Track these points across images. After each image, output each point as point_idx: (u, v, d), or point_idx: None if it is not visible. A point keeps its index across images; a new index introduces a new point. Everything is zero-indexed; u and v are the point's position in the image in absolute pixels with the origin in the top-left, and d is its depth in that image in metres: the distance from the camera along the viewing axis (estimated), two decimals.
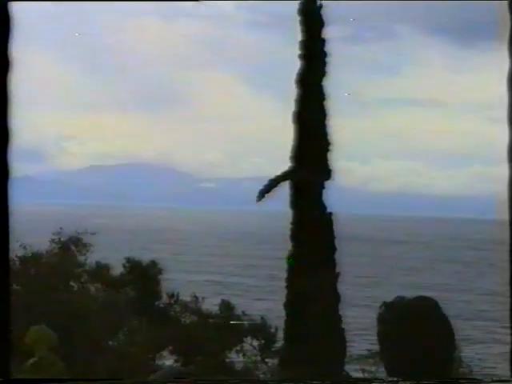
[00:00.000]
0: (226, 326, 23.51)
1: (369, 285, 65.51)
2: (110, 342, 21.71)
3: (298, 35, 23.30)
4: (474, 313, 54.59)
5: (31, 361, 10.24)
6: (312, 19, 23.25)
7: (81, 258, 22.58)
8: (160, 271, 24.33)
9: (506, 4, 2.26)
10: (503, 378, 2.77)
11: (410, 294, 3.03)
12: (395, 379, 2.94)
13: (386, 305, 3.02)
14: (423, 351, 2.88)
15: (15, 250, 21.45)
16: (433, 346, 2.87)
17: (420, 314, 2.90)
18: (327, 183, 23.55)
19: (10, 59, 2.48)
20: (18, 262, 21.25)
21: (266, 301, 43.86)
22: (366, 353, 24.53)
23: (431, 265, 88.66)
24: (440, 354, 2.90)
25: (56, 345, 10.43)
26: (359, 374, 23.67)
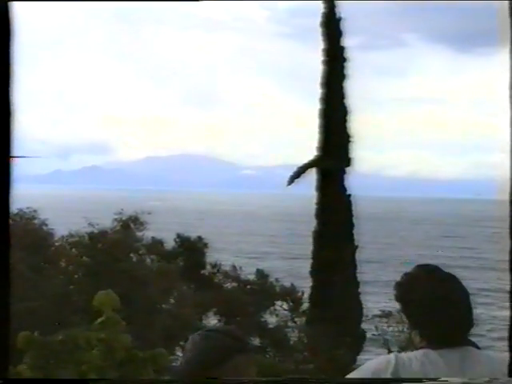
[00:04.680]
0: (260, 291, 23.53)
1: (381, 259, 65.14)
2: (164, 305, 21.84)
3: (320, 44, 23.23)
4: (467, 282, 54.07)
5: (99, 320, 10.35)
6: (333, 30, 23.13)
7: (139, 234, 22.72)
8: (205, 245, 24.42)
9: (505, 5, 2.21)
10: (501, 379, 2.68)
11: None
12: (397, 378, 2.78)
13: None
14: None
15: (84, 227, 21.73)
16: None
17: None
18: (348, 170, 23.49)
19: (11, 55, 2.27)
20: (86, 238, 21.46)
21: (294, 268, 43.77)
22: (379, 313, 24.43)
23: (435, 240, 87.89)
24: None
25: (119, 307, 10.52)
26: (373, 331, 23.53)
